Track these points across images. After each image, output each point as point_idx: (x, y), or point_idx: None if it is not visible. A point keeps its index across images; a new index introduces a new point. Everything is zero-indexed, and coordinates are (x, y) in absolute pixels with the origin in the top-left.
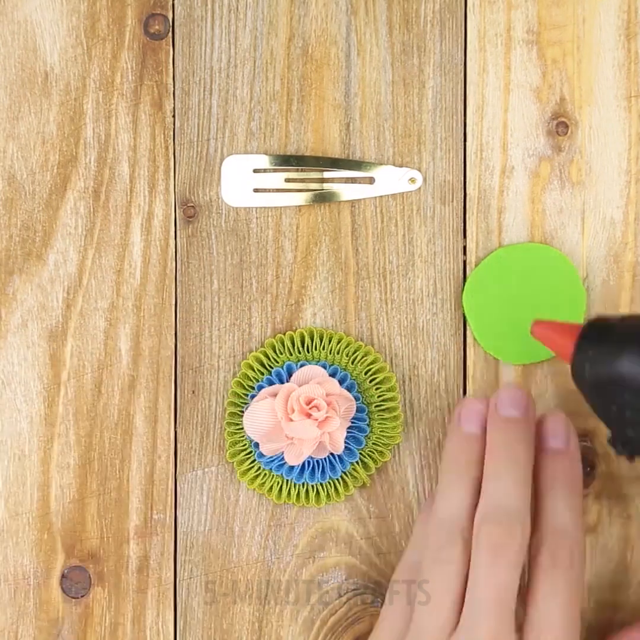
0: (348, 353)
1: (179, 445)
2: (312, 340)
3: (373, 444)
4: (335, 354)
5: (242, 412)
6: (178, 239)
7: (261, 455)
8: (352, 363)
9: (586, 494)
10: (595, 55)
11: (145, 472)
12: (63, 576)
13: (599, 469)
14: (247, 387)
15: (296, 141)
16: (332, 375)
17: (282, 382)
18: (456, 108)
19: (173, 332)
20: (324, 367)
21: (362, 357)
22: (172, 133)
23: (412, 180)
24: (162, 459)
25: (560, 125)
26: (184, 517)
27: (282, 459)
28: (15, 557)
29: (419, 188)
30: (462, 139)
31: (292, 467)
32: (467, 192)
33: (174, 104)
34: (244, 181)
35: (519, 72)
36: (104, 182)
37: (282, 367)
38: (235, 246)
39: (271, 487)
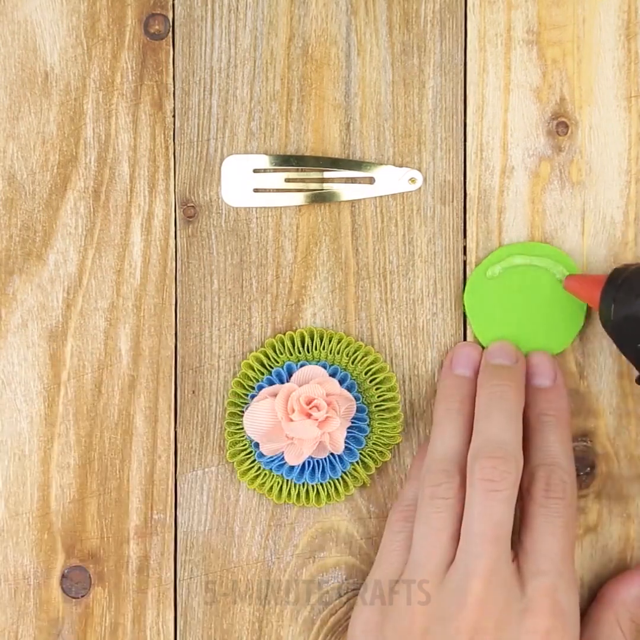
0: (348, 353)
1: (179, 445)
2: (312, 340)
3: (373, 444)
4: (335, 354)
5: (242, 412)
6: (178, 239)
7: (261, 455)
8: (352, 363)
9: (586, 494)
10: (595, 55)
11: (145, 472)
12: (63, 576)
13: (599, 469)
14: (247, 387)
15: (296, 141)
16: (332, 375)
17: (282, 382)
18: (456, 108)
19: (173, 332)
20: (324, 367)
21: (362, 357)
22: (172, 133)
23: (412, 180)
24: (162, 459)
25: (560, 125)
26: (184, 517)
27: (282, 459)
28: (15, 557)
29: (419, 188)
30: (462, 139)
31: (292, 467)
32: (467, 192)
33: (174, 104)
34: (244, 181)
35: (519, 72)
36: (104, 182)
37: (282, 367)
38: (235, 246)
39: (271, 487)
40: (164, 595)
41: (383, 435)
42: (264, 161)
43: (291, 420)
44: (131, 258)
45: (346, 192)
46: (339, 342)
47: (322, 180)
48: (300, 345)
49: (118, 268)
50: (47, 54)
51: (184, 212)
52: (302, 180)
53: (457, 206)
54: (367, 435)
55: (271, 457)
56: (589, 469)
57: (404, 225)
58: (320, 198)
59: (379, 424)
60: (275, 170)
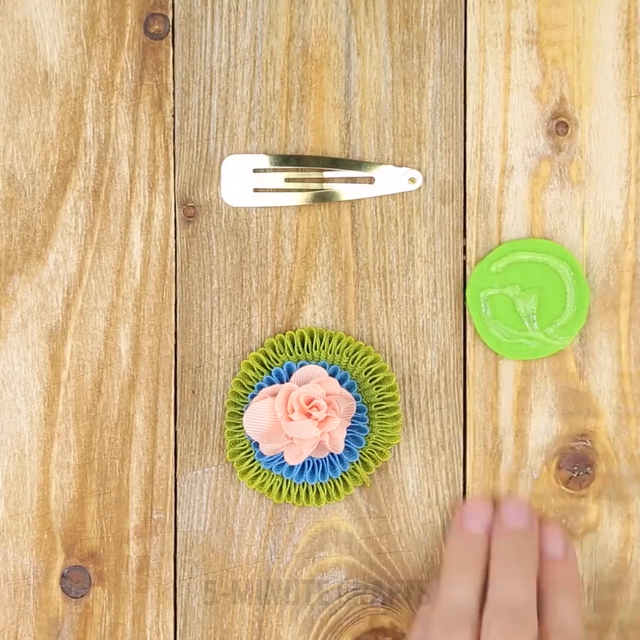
0: (348, 353)
1: (179, 445)
2: (312, 340)
3: (373, 443)
4: (335, 354)
5: (242, 412)
6: (178, 239)
7: (261, 455)
8: (352, 363)
9: (586, 494)
10: (595, 55)
11: (145, 472)
12: (63, 576)
13: (599, 469)
14: (247, 386)
15: (296, 141)
16: (332, 375)
17: (282, 382)
18: (456, 108)
19: (173, 332)
20: (324, 366)
21: (362, 356)
22: (172, 133)
23: (412, 180)
24: (162, 459)
25: (560, 125)
26: (184, 517)
27: (282, 458)
28: (15, 557)
29: (419, 188)
30: (462, 139)
31: (292, 467)
32: (467, 192)
33: (174, 104)
34: (244, 181)
35: (519, 72)
36: (104, 182)
37: (282, 367)
38: (235, 246)
39: (271, 487)
40: (164, 595)
41: (383, 435)
42: (264, 161)
43: (291, 419)
44: (131, 258)
45: (346, 192)
46: (338, 341)
47: (322, 180)
48: (300, 345)
49: (118, 268)
50: (47, 53)
51: (184, 212)
52: (302, 180)
53: (457, 206)
54: (367, 435)
55: (271, 457)
56: (589, 469)
57: (403, 225)
58: (320, 198)
59: (378, 423)
60: (275, 170)
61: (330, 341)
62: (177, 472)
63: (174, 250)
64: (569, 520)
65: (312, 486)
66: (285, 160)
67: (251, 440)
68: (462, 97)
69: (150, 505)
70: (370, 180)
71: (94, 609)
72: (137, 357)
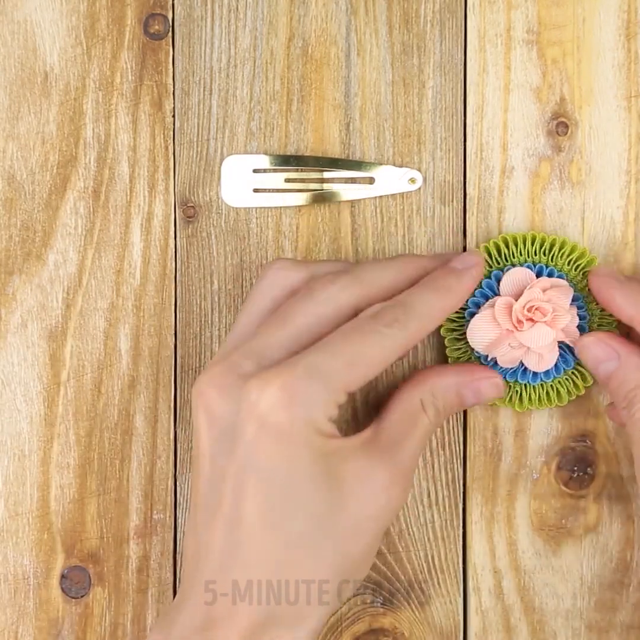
0: (545, 251)
1: (179, 445)
2: (508, 248)
3: (598, 326)
4: (533, 255)
5: (460, 336)
6: (178, 239)
7: (495, 365)
8: (552, 259)
9: (586, 494)
10: (595, 55)
11: (145, 472)
12: (63, 576)
13: (599, 469)
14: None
15: (296, 141)
16: (539, 273)
17: (493, 291)
18: (456, 108)
19: (173, 332)
20: (530, 268)
21: (560, 249)
22: (172, 133)
23: (412, 180)
24: (162, 459)
25: (560, 125)
26: (184, 517)
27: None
28: (15, 557)
29: (419, 188)
30: (462, 139)
31: (525, 370)
32: (467, 192)
33: (174, 104)
34: (244, 181)
35: (519, 72)
36: (103, 182)
37: (490, 277)
38: (235, 246)
39: (511, 397)
40: (164, 595)
41: (605, 316)
42: (264, 161)
43: (522, 331)
44: (131, 258)
45: (346, 192)
46: (533, 242)
47: (322, 180)
48: (497, 255)
49: (118, 268)
50: (47, 54)
51: (183, 212)
52: (302, 180)
53: (457, 206)
54: (589, 321)
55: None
56: (589, 469)
57: (403, 225)
58: (320, 198)
59: (596, 305)
60: (275, 170)
61: (525, 245)
62: (177, 472)
63: (174, 250)
64: (568, 520)
65: (552, 387)
66: (285, 161)
67: (478, 356)
68: (462, 97)
69: (150, 505)
70: (370, 181)
71: (94, 609)
72: (137, 357)
